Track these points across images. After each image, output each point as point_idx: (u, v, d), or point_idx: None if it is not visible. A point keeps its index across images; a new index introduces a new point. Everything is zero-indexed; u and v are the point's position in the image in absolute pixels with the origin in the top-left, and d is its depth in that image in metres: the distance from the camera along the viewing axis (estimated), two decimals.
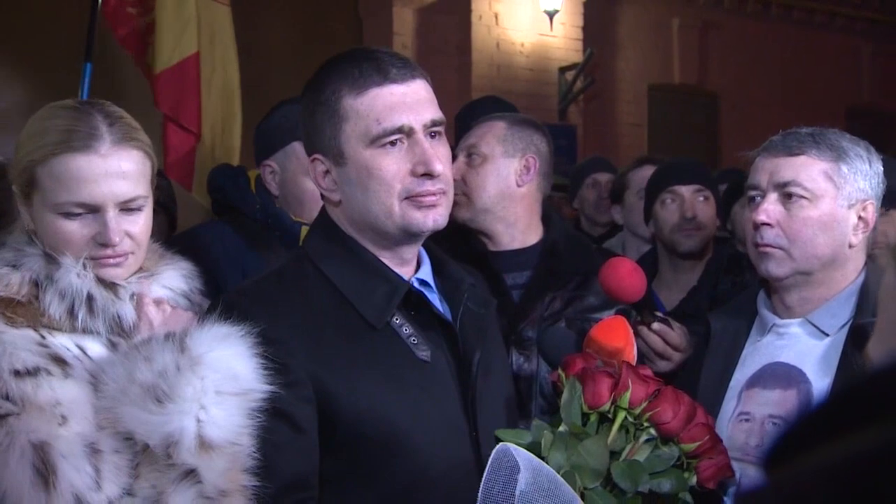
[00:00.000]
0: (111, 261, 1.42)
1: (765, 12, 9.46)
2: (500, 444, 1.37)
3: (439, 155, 1.46)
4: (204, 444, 1.29)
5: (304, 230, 2.18)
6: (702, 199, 2.72)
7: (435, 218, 1.47)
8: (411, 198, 1.45)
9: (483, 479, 1.31)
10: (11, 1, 6.07)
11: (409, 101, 1.45)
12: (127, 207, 1.41)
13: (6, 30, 6.05)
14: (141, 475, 1.30)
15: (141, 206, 1.44)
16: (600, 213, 4.13)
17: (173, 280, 1.52)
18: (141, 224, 1.44)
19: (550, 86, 7.76)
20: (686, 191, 2.72)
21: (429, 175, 1.44)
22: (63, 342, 1.36)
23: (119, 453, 1.30)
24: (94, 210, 1.39)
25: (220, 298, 1.49)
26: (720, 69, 9.14)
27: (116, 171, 1.39)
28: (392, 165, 1.44)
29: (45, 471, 1.24)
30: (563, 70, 7.77)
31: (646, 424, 1.43)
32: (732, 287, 2.64)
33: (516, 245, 2.20)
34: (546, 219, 2.26)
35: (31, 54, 6.07)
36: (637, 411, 1.43)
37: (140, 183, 1.43)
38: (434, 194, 1.46)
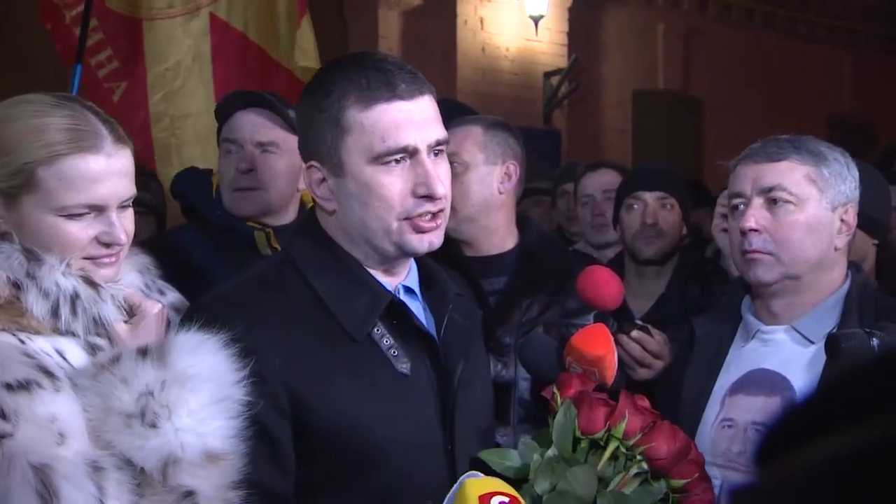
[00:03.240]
0: (109, 259, 1.39)
1: (748, 20, 9.55)
2: (467, 473, 1.35)
3: (441, 175, 1.44)
4: (210, 456, 1.27)
5: (258, 235, 2.16)
6: (665, 206, 2.71)
7: (431, 240, 1.45)
8: (410, 219, 1.42)
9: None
10: None
11: (416, 119, 1.41)
12: (121, 206, 1.40)
13: None
14: (145, 495, 1.26)
15: (130, 204, 1.43)
16: (570, 223, 3.97)
17: (129, 276, 1.48)
18: (132, 222, 1.43)
19: (535, 90, 7.78)
20: (650, 197, 2.71)
21: (429, 197, 1.42)
22: (42, 346, 1.31)
23: (122, 470, 1.25)
24: (100, 210, 1.37)
25: (197, 303, 1.46)
26: (704, 75, 9.20)
27: (119, 170, 1.38)
28: (394, 185, 1.41)
29: (47, 494, 1.19)
30: (547, 75, 7.79)
31: (638, 457, 1.41)
32: (701, 294, 2.64)
33: (493, 250, 2.16)
34: (521, 222, 2.22)
35: (16, 53, 6.00)
36: (631, 443, 1.41)
37: (133, 181, 1.43)
38: (433, 216, 1.43)
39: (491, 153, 2.15)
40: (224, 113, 2.23)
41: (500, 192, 2.15)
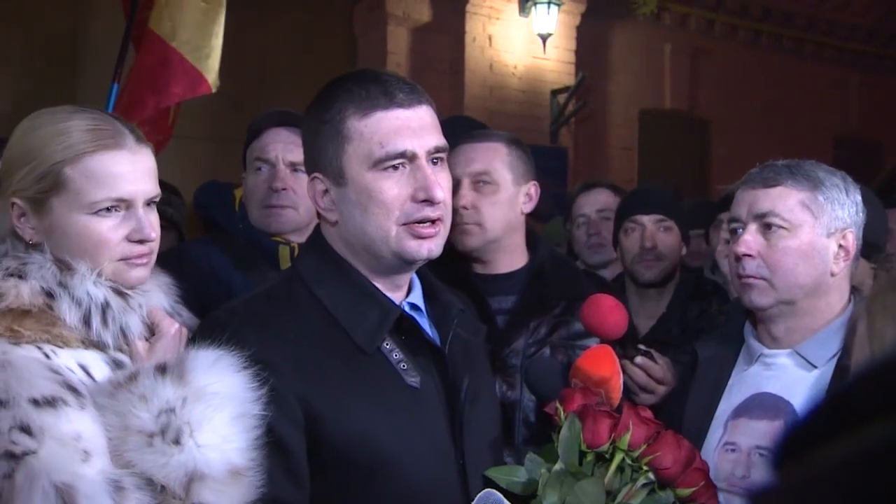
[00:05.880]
0: (142, 259, 1.42)
1: (755, 40, 9.56)
2: (485, 491, 1.36)
3: (440, 181, 1.45)
4: (233, 472, 1.28)
5: (282, 249, 2.19)
6: (663, 229, 2.72)
7: (430, 248, 1.46)
8: (409, 224, 1.44)
9: None
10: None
11: (414, 126, 1.44)
12: (147, 204, 1.43)
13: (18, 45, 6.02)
14: None
15: (155, 204, 1.46)
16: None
17: (156, 296, 1.50)
18: (158, 222, 1.46)
19: (542, 108, 7.80)
20: (647, 220, 2.72)
21: (429, 202, 1.44)
22: (66, 362, 1.32)
23: (142, 490, 1.26)
24: (128, 207, 1.40)
25: (210, 317, 1.48)
26: (711, 95, 9.21)
27: (144, 168, 1.43)
28: (393, 189, 1.43)
29: None
30: (555, 93, 7.81)
31: (644, 468, 1.42)
32: (701, 314, 2.65)
33: (504, 269, 2.15)
34: (531, 241, 2.21)
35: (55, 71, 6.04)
36: (636, 454, 1.42)
37: (156, 181, 1.47)
38: (433, 222, 1.45)
39: (516, 173, 2.13)
40: (256, 129, 2.25)
41: (522, 213, 2.15)
